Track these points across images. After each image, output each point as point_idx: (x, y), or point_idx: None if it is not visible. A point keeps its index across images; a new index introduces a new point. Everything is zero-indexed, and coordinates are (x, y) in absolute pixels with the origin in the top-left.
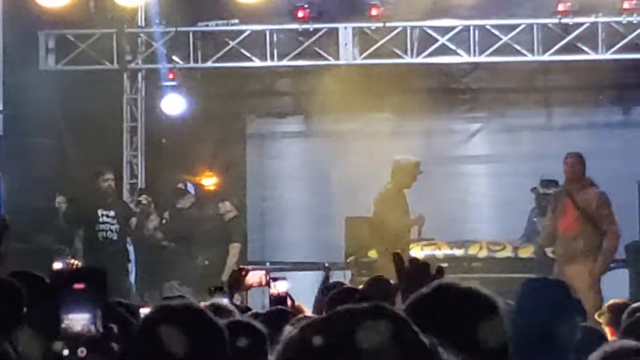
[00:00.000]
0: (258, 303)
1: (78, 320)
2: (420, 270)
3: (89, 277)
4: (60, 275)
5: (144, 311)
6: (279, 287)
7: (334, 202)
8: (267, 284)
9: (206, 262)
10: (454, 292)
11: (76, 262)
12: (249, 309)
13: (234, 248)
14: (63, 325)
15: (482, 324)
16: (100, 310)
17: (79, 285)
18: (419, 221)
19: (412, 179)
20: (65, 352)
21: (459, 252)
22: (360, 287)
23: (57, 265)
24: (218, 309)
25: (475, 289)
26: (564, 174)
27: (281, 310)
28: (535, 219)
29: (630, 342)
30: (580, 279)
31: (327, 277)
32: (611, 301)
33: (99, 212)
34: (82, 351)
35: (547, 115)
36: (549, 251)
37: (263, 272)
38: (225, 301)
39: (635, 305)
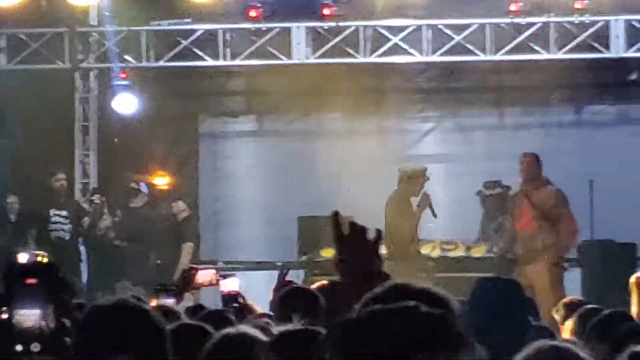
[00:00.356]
0: (212, 301)
1: (29, 316)
2: (358, 234)
3: (41, 272)
4: (12, 270)
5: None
6: (229, 285)
7: (287, 202)
8: (218, 283)
9: (159, 262)
10: (407, 293)
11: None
12: (203, 308)
13: (187, 247)
14: (14, 321)
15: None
16: (52, 305)
17: (31, 280)
18: (426, 202)
19: (419, 187)
20: (19, 347)
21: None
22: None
23: (22, 258)
24: (163, 310)
25: (428, 289)
26: (520, 174)
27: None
28: (485, 221)
29: (546, 343)
30: (541, 277)
31: (284, 276)
32: (566, 299)
33: (51, 211)
34: (35, 346)
35: (500, 115)
36: (506, 252)
37: (213, 271)
38: (170, 302)
39: (590, 307)
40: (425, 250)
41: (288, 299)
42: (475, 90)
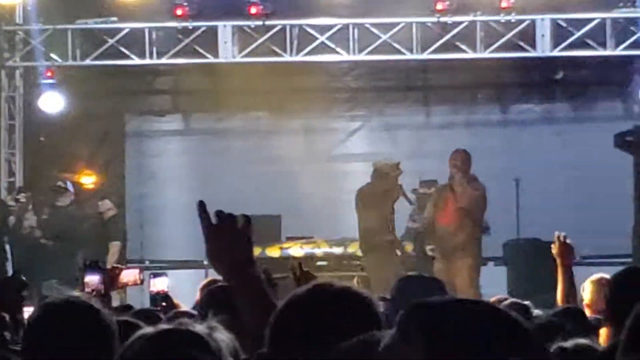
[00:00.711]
0: (137, 301)
1: None
2: (225, 222)
3: None
4: None
5: (28, 309)
6: (158, 285)
7: (213, 201)
8: (142, 282)
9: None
10: (329, 292)
11: None
12: (130, 307)
13: (114, 246)
14: None
15: (357, 323)
16: None
17: None
18: (398, 193)
19: (393, 180)
20: None
21: (338, 250)
22: None
23: None
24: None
25: (349, 289)
26: (451, 168)
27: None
28: (415, 218)
29: None
30: (459, 274)
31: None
32: (493, 298)
33: None
34: None
35: (426, 114)
36: (428, 249)
37: (137, 270)
38: (96, 279)
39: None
40: (351, 249)
41: (213, 297)
42: (402, 89)
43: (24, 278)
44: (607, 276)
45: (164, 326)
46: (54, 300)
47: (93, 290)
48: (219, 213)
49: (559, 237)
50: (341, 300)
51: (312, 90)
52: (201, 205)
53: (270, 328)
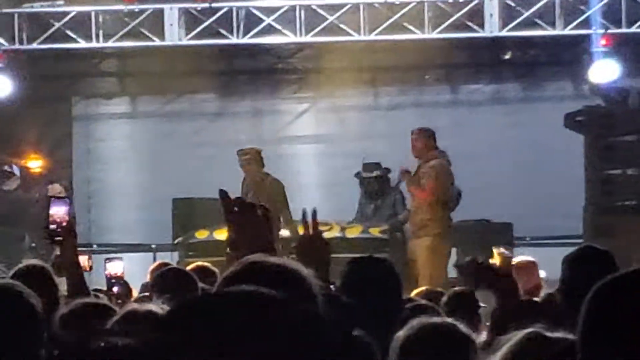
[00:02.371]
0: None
1: None
2: (247, 210)
3: None
4: None
5: None
6: (113, 268)
7: (161, 184)
8: (91, 268)
9: (33, 245)
10: (263, 267)
11: None
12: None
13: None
14: None
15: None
16: None
17: None
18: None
19: (261, 165)
20: None
21: (286, 233)
22: (189, 267)
23: None
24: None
25: (284, 266)
26: (412, 151)
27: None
28: (364, 202)
29: (428, 320)
30: (418, 253)
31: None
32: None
33: None
34: None
35: (375, 95)
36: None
37: (86, 257)
38: (62, 210)
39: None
40: (300, 231)
41: (164, 280)
42: (350, 70)
43: None
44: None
45: None
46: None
47: (58, 224)
48: (240, 201)
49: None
50: (275, 275)
51: (259, 72)
52: (223, 194)
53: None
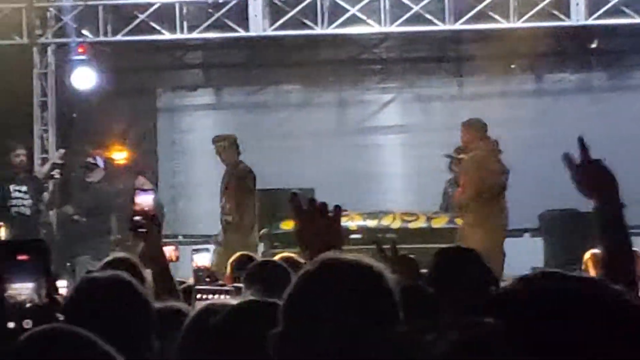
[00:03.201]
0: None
1: (22, 289)
2: (317, 210)
3: (31, 248)
4: (2, 248)
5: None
6: (200, 260)
7: None
8: (177, 259)
9: (119, 236)
10: (338, 267)
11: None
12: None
13: None
14: (7, 295)
15: (367, 297)
16: (44, 280)
17: (22, 257)
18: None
19: (237, 153)
20: (11, 324)
21: (372, 223)
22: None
23: None
24: None
25: (359, 262)
26: None
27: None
28: (450, 190)
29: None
30: (462, 234)
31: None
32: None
33: (11, 187)
34: (27, 323)
35: (459, 85)
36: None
37: (172, 247)
38: (148, 199)
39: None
40: (385, 221)
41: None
42: (435, 60)
43: None
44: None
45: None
46: (95, 275)
47: (143, 215)
48: (311, 201)
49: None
50: (351, 274)
51: (343, 63)
52: (294, 196)
53: (283, 306)
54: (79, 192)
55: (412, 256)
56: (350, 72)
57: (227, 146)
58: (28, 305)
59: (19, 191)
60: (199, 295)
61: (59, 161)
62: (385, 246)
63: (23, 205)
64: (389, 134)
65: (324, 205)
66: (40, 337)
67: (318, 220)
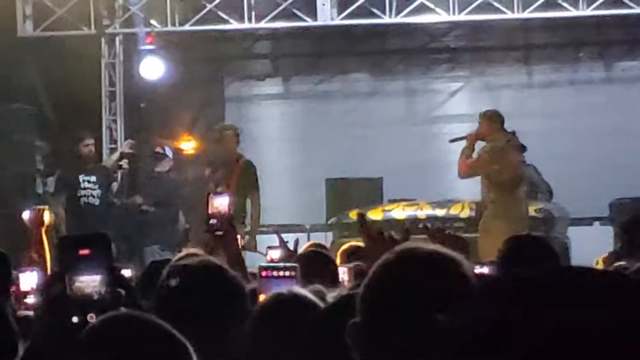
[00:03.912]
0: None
1: (88, 282)
2: (387, 242)
3: (94, 242)
4: (65, 242)
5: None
6: (273, 255)
7: (314, 164)
8: (243, 247)
9: (187, 226)
10: (417, 256)
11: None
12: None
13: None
14: (73, 288)
15: (446, 286)
16: (107, 274)
17: (84, 251)
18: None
19: (237, 144)
20: (75, 319)
21: (441, 212)
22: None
23: (26, 215)
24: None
25: (437, 252)
26: None
27: None
28: None
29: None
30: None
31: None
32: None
33: (80, 177)
34: (91, 317)
35: (528, 73)
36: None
37: (238, 236)
38: (225, 202)
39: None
40: (454, 211)
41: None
42: (504, 48)
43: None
44: None
45: None
46: (189, 262)
47: (219, 217)
48: (381, 233)
49: None
50: (429, 263)
51: (411, 52)
52: (361, 216)
53: (361, 296)
54: (147, 182)
55: (462, 235)
56: (419, 61)
57: (232, 136)
58: (93, 298)
59: (88, 181)
60: (263, 273)
61: (128, 151)
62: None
63: (92, 196)
64: (458, 122)
65: (391, 237)
66: (108, 323)
67: (387, 243)
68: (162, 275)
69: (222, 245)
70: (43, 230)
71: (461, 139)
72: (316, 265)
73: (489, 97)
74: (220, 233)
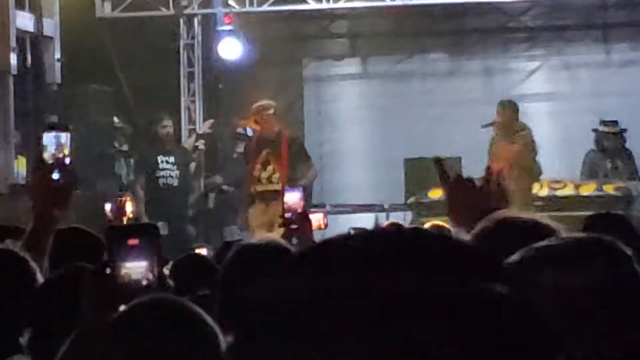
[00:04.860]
0: None
1: (136, 268)
2: (465, 182)
3: (143, 232)
4: (114, 232)
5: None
6: None
7: (392, 144)
8: (326, 226)
9: None
10: (516, 225)
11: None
12: None
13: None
14: (122, 274)
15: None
16: (154, 263)
17: (133, 241)
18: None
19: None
20: (122, 307)
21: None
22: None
23: (108, 207)
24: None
25: (536, 222)
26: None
27: None
28: (598, 160)
29: None
30: None
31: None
32: None
33: (159, 158)
34: None
35: (606, 52)
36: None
37: (321, 214)
38: (295, 197)
39: None
40: (533, 189)
41: None
42: (582, 27)
43: None
44: None
45: None
46: (249, 243)
47: (293, 212)
48: (458, 175)
49: None
50: (527, 232)
51: (489, 31)
52: (438, 161)
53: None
54: (227, 162)
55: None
56: (497, 40)
57: (271, 114)
58: (140, 285)
59: (167, 162)
60: None
61: (208, 131)
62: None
63: (170, 177)
64: (536, 101)
65: (470, 179)
66: (143, 307)
67: (466, 186)
68: (227, 257)
69: (297, 237)
70: (125, 221)
71: (491, 124)
72: None
73: (567, 76)
74: (295, 227)
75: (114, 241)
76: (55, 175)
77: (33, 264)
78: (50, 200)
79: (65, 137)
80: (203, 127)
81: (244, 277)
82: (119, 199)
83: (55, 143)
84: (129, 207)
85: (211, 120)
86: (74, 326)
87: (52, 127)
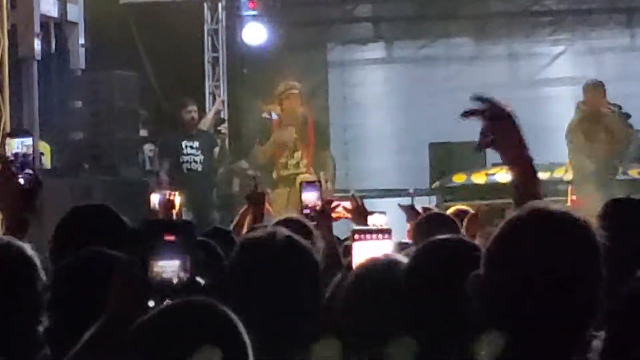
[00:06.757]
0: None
1: (168, 267)
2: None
3: (179, 229)
4: (150, 226)
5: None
6: (376, 221)
7: (417, 128)
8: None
9: None
10: (549, 216)
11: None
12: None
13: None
14: (153, 272)
15: (575, 248)
16: (188, 260)
17: (169, 237)
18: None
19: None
20: (151, 303)
21: (544, 175)
22: (449, 211)
23: (155, 198)
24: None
25: (568, 213)
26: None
27: None
28: None
29: None
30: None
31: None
32: None
33: (183, 143)
34: (168, 302)
35: (631, 36)
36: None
37: (348, 202)
38: (313, 196)
39: None
40: (558, 173)
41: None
42: (606, 11)
43: None
44: None
45: None
46: (254, 236)
47: (311, 208)
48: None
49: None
50: (560, 224)
51: (514, 15)
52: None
53: (487, 249)
54: (252, 147)
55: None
56: (521, 24)
57: (297, 94)
58: (171, 283)
59: (191, 147)
60: (356, 236)
61: (220, 108)
62: None
63: (194, 162)
64: (560, 86)
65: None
66: (174, 309)
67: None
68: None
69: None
70: (174, 214)
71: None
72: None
73: (592, 60)
74: (313, 223)
75: (151, 235)
76: (21, 179)
77: (30, 251)
78: (17, 204)
79: (29, 141)
80: (216, 103)
81: (249, 274)
82: (168, 192)
83: (20, 148)
84: (177, 201)
85: (220, 99)
86: (94, 314)
87: (16, 133)
